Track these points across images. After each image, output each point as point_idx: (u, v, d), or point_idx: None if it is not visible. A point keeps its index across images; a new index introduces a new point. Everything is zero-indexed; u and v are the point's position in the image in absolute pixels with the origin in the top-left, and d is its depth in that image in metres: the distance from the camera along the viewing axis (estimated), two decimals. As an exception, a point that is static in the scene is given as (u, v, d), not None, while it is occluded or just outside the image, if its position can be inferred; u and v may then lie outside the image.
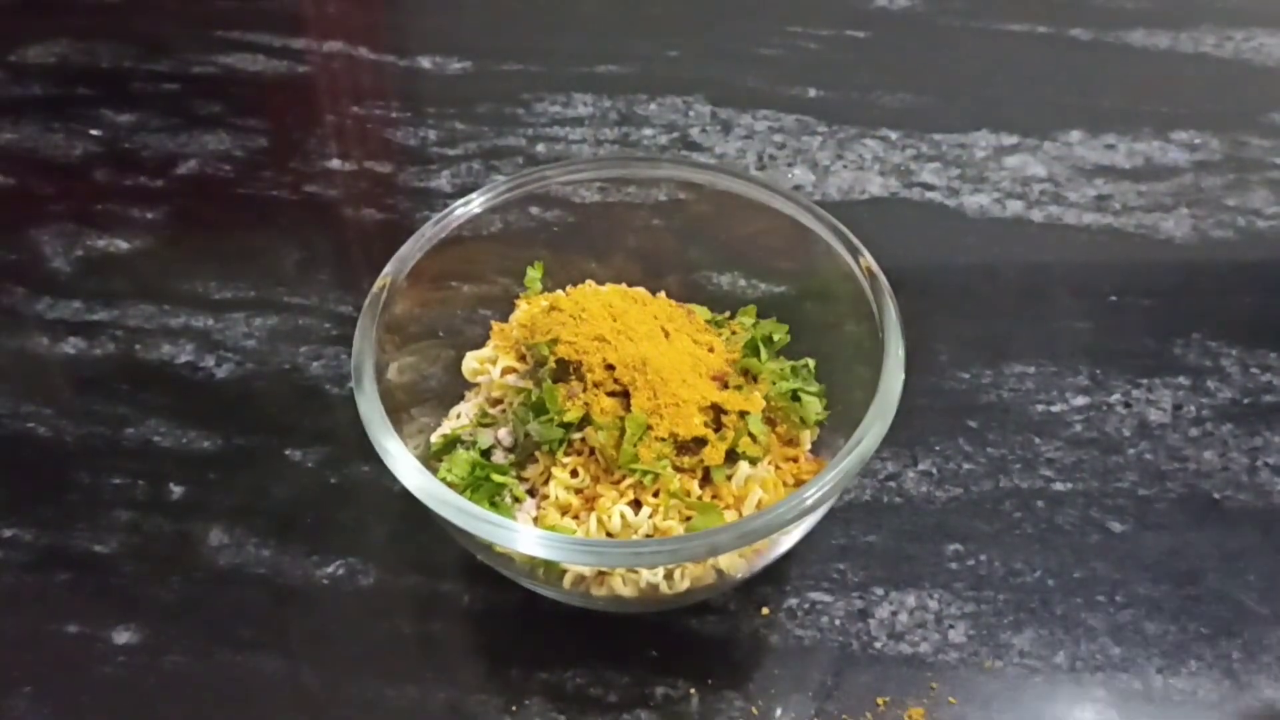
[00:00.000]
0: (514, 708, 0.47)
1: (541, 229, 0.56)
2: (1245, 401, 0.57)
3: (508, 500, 0.48)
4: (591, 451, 0.47)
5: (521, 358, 0.51)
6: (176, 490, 0.55)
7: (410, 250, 0.50)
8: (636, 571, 0.45)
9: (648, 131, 0.74)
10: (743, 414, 0.48)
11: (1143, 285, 0.63)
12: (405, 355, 0.51)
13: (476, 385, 0.53)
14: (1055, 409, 0.57)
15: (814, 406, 0.50)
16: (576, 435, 0.48)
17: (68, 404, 0.59)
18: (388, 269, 0.50)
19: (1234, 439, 0.56)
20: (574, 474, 0.47)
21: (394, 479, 0.43)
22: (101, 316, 0.64)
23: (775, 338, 0.53)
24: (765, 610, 0.50)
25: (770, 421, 0.49)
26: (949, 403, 0.57)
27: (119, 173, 0.73)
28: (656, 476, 0.46)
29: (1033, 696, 0.47)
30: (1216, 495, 0.53)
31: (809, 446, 0.51)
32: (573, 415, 0.47)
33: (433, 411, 0.53)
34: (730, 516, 0.46)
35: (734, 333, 0.54)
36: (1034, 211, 0.67)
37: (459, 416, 0.52)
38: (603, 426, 0.47)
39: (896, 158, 0.71)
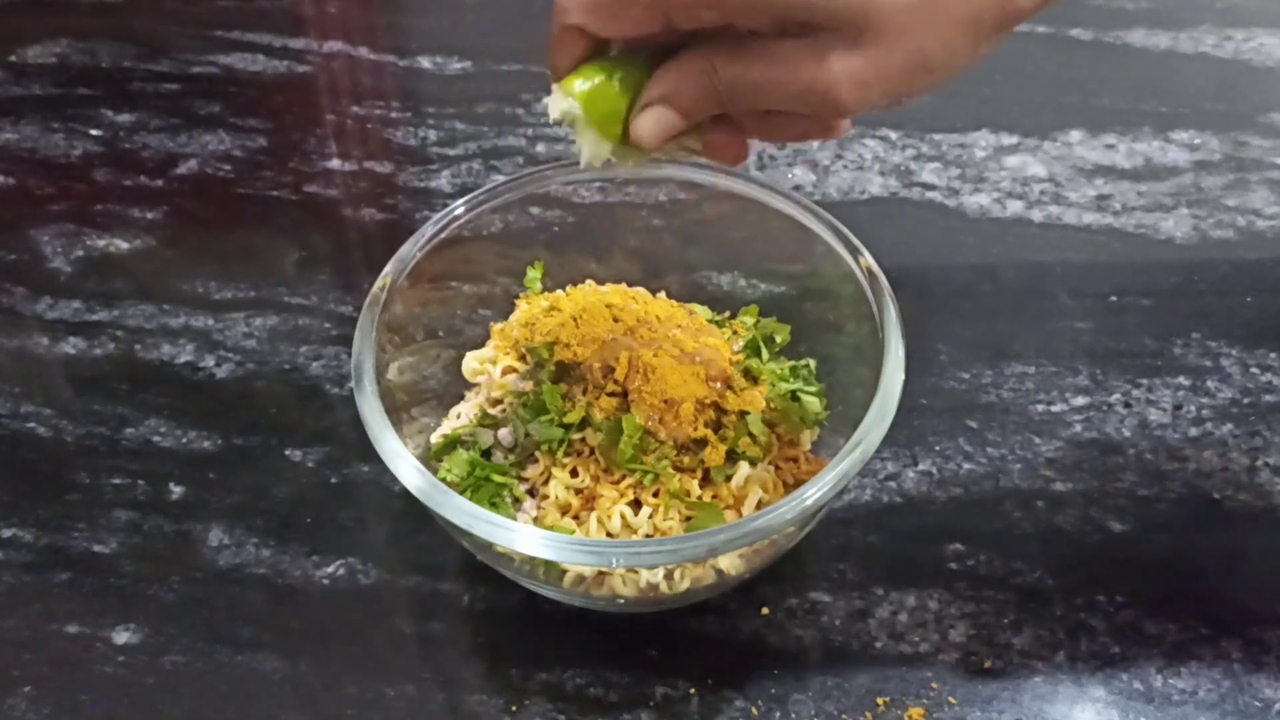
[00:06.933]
0: (514, 708, 0.47)
1: (541, 229, 0.56)
2: (1245, 401, 0.57)
3: (508, 500, 0.48)
4: (591, 452, 0.47)
5: (521, 358, 0.51)
6: (176, 490, 0.55)
7: (410, 250, 0.50)
8: (636, 571, 0.45)
9: (648, 131, 0.74)
10: (743, 414, 0.48)
11: (1143, 285, 0.63)
12: (405, 355, 0.51)
13: (476, 385, 0.53)
14: (1055, 409, 0.57)
15: (814, 406, 0.50)
16: (577, 435, 0.48)
17: (68, 404, 0.59)
18: (388, 269, 0.50)
19: (1234, 439, 0.56)
20: (574, 474, 0.47)
21: (394, 479, 0.43)
22: (101, 316, 0.64)
23: (777, 338, 0.53)
24: (765, 610, 0.50)
25: (770, 422, 0.49)
26: (949, 403, 0.57)
27: (119, 173, 0.73)
28: (656, 476, 0.46)
29: (1032, 696, 0.47)
30: (1216, 495, 0.53)
31: (809, 446, 0.51)
32: (573, 416, 0.47)
33: (433, 411, 0.53)
34: (730, 516, 0.46)
35: (735, 333, 0.54)
36: (1034, 211, 0.67)
37: (459, 416, 0.52)
38: (602, 427, 0.47)
39: (896, 158, 0.71)
